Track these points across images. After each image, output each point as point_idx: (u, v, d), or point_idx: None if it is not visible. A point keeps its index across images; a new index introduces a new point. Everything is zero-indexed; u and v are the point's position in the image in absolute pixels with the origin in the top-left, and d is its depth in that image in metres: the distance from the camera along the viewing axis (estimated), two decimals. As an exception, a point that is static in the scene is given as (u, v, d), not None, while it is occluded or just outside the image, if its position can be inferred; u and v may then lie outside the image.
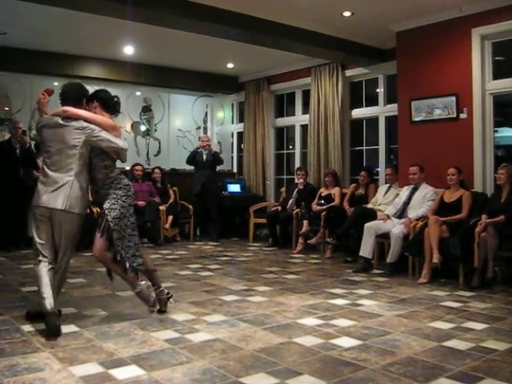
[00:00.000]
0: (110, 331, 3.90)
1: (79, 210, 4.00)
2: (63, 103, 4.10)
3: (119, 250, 4.11)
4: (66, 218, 3.95)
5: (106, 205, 4.13)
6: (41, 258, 3.97)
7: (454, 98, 6.78)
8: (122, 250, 4.12)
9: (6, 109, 9.12)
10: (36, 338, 3.68)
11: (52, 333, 3.69)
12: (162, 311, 4.43)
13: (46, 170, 3.98)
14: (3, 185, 7.67)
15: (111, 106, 4.30)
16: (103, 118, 4.15)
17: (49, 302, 3.77)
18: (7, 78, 8.91)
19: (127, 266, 4.15)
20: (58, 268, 4.06)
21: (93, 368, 3.14)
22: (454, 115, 6.79)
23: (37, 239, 3.99)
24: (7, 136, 8.39)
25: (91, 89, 4.63)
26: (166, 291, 4.49)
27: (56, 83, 9.39)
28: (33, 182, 7.92)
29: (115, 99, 4.33)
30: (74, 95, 4.15)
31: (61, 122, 3.98)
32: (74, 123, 3.98)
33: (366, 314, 4.51)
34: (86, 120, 4.02)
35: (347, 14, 6.79)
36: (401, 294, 5.31)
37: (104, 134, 4.01)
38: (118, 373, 3.07)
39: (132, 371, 3.10)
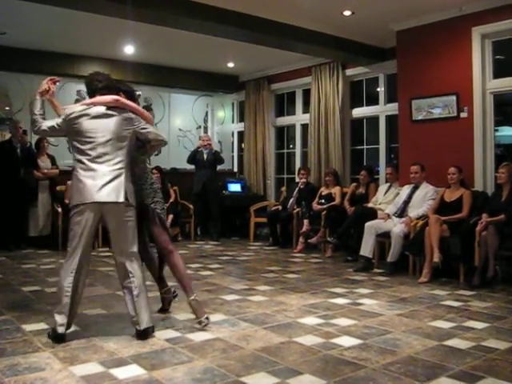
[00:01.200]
0: (110, 331, 3.91)
1: (134, 202, 3.81)
2: (96, 93, 3.87)
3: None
4: (126, 211, 3.75)
5: (148, 201, 4.05)
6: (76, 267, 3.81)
7: (454, 97, 6.78)
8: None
9: (7, 108, 9.12)
10: (37, 338, 3.69)
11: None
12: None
13: (90, 163, 3.68)
14: (4, 184, 7.69)
15: (136, 99, 4.28)
16: (145, 111, 4.08)
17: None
18: (7, 78, 8.91)
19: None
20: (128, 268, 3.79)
21: (93, 367, 3.14)
22: (455, 114, 6.78)
23: (81, 241, 3.77)
24: (8, 136, 8.39)
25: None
26: (173, 289, 4.49)
27: (57, 83, 9.41)
28: (34, 181, 8.03)
29: (137, 93, 4.22)
30: (111, 85, 3.97)
31: (107, 111, 3.77)
32: (123, 113, 3.82)
33: (367, 313, 4.51)
34: (133, 111, 3.91)
35: (347, 13, 6.79)
36: (401, 293, 5.31)
37: (150, 127, 3.96)
38: (119, 372, 3.07)
39: (133, 371, 3.10)
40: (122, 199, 3.66)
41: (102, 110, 3.76)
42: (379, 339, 3.75)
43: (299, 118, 10.14)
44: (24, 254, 7.60)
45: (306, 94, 9.77)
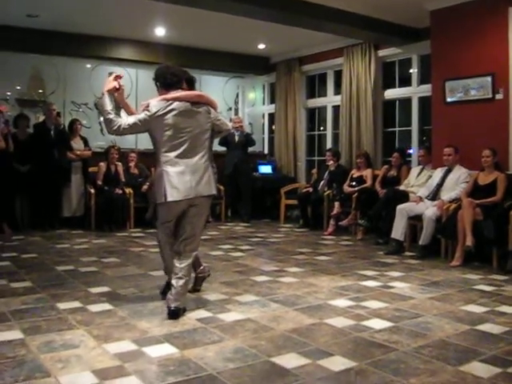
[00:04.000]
0: (143, 310, 3.96)
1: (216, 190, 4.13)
2: (173, 87, 3.92)
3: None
4: (209, 201, 4.03)
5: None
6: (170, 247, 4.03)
7: (489, 79, 6.63)
8: None
9: (40, 91, 9.24)
10: (71, 316, 3.76)
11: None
12: (196, 290, 4.49)
13: (179, 158, 3.80)
14: (38, 166, 7.81)
15: (194, 83, 4.45)
16: (214, 100, 4.20)
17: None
18: (41, 61, 9.02)
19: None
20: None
21: (126, 346, 3.20)
22: (490, 96, 6.64)
23: (168, 233, 4.00)
24: (42, 118, 8.50)
25: (123, 71, 4.55)
26: (207, 268, 4.60)
27: (89, 65, 9.55)
28: (66, 163, 8.15)
29: (193, 77, 4.45)
30: (180, 80, 4.01)
31: (193, 107, 3.87)
32: (204, 107, 3.94)
33: (398, 296, 4.49)
34: (210, 104, 4.05)
35: (380, -8, 6.68)
36: (433, 276, 5.27)
37: (222, 118, 4.18)
38: (151, 351, 3.12)
39: (165, 349, 3.15)
40: (214, 191, 4.00)
41: (187, 105, 3.84)
42: (410, 322, 3.74)
43: (330, 99, 10.05)
44: (58, 234, 7.73)
45: (338, 75, 9.68)
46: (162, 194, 3.79)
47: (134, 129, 3.80)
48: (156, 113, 3.76)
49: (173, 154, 3.79)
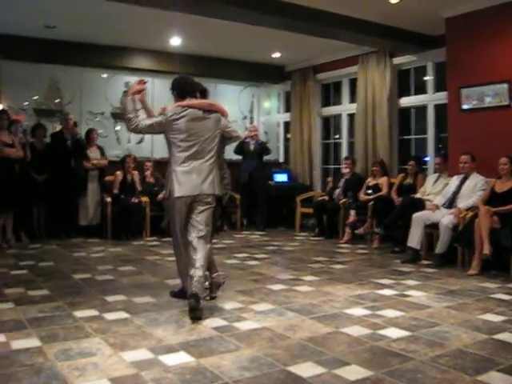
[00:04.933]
0: (159, 318, 3.98)
1: (221, 192, 4.44)
2: (186, 96, 4.29)
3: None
4: (213, 200, 4.30)
5: (223, 191, 4.60)
6: (183, 243, 4.31)
7: (506, 85, 6.59)
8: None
9: (57, 101, 9.33)
10: (88, 324, 3.78)
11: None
12: (212, 298, 4.53)
13: (188, 159, 4.17)
14: (55, 175, 7.87)
15: (207, 94, 4.71)
16: (224, 108, 4.56)
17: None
18: (58, 71, 9.09)
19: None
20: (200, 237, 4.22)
21: (143, 354, 3.21)
22: (506, 103, 6.60)
23: (179, 227, 4.28)
24: (59, 127, 8.58)
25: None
26: (222, 274, 4.65)
27: (105, 75, 9.64)
28: (83, 172, 8.21)
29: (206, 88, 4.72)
30: (194, 89, 4.40)
31: (203, 114, 4.24)
32: (214, 115, 4.31)
33: (414, 305, 4.46)
34: (221, 112, 4.41)
35: (394, 0, 6.66)
36: (450, 285, 5.23)
37: (232, 126, 4.56)
38: (168, 359, 3.13)
39: (181, 358, 3.16)
40: (217, 192, 4.28)
41: (199, 112, 4.23)
42: (427, 331, 3.71)
43: (346, 107, 10.04)
44: (74, 242, 7.79)
45: (353, 83, 9.67)
46: (170, 191, 4.22)
47: (150, 129, 4.24)
48: (171, 117, 4.17)
49: (183, 155, 4.18)
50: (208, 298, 4.50)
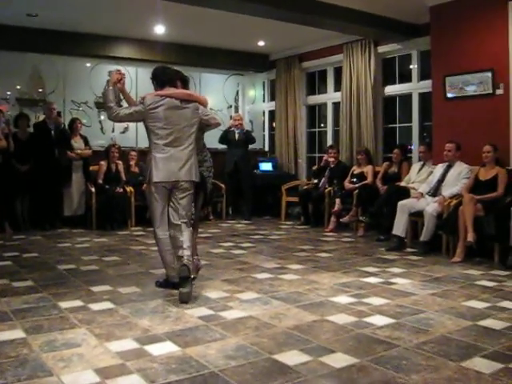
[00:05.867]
0: (144, 308, 3.97)
1: (198, 178, 4.55)
2: (165, 85, 4.46)
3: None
4: (191, 185, 4.47)
5: (205, 173, 4.79)
6: (161, 232, 4.45)
7: (489, 74, 6.62)
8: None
9: (40, 90, 9.22)
10: (73, 315, 3.77)
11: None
12: (193, 278, 4.56)
13: (166, 146, 4.34)
14: (39, 165, 7.81)
15: (188, 83, 4.89)
16: (204, 97, 4.90)
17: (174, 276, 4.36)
18: (40, 60, 8.99)
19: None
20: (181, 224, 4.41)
21: (128, 344, 3.20)
22: (490, 91, 6.63)
23: (160, 213, 4.44)
24: (42, 117, 8.50)
25: (123, 69, 5.24)
26: (199, 262, 4.98)
27: (88, 64, 9.54)
28: (67, 161, 8.15)
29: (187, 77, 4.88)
30: (173, 79, 4.56)
31: (181, 104, 4.40)
32: (192, 104, 4.48)
33: (400, 292, 4.49)
34: (199, 102, 4.58)
35: (379, -12, 6.67)
36: (434, 272, 5.27)
37: (210, 113, 4.74)
38: (153, 349, 3.12)
39: (167, 347, 3.15)
40: (194, 178, 4.43)
41: (176, 102, 4.39)
42: (412, 318, 3.74)
43: (331, 96, 10.04)
44: (59, 233, 7.74)
45: (338, 71, 9.66)
46: (149, 176, 4.39)
47: (129, 117, 4.45)
48: (149, 105, 4.34)
49: (161, 142, 4.35)
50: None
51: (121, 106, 4.47)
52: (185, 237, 4.32)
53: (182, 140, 4.39)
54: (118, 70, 4.65)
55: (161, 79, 4.51)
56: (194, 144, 4.48)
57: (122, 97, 4.64)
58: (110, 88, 4.42)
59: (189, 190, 4.44)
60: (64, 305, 4.03)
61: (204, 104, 4.67)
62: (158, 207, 4.43)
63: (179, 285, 4.19)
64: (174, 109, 4.38)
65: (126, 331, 3.44)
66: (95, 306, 4.00)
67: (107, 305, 4.05)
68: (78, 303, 4.08)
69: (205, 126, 4.67)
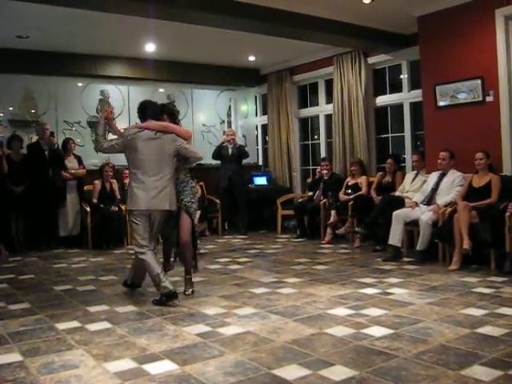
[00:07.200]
0: (142, 327, 3.95)
1: (175, 208, 4.79)
2: (147, 118, 4.78)
3: (196, 231, 5.05)
4: (167, 214, 4.78)
5: (187, 199, 4.89)
6: (145, 249, 4.64)
7: (479, 81, 6.66)
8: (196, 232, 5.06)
9: (33, 111, 9.24)
10: (70, 336, 3.75)
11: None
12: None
13: (141, 176, 4.62)
14: (33, 186, 7.80)
15: (176, 117, 5.26)
16: (186, 130, 5.08)
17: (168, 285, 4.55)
18: (32, 81, 9.01)
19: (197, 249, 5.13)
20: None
21: (126, 364, 3.19)
22: (480, 98, 6.67)
23: (139, 235, 4.66)
24: (35, 138, 8.50)
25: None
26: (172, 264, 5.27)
27: (80, 84, 9.58)
28: (62, 182, 8.14)
29: (176, 110, 5.06)
30: (156, 111, 4.87)
31: (156, 135, 4.68)
32: (168, 136, 4.71)
33: (397, 302, 4.48)
34: (176, 133, 4.76)
35: (367, 0, 6.66)
36: (432, 281, 5.27)
37: (189, 147, 4.82)
38: (152, 368, 3.10)
39: (165, 366, 3.14)
40: (167, 207, 4.68)
41: (151, 133, 4.68)
42: (410, 328, 3.73)
43: (323, 108, 10.08)
44: (55, 253, 7.71)
45: (329, 84, 9.71)
46: (128, 203, 4.73)
47: (112, 149, 4.85)
48: (128, 137, 4.70)
49: (137, 172, 4.65)
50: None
51: (105, 138, 4.87)
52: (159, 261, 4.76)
53: (157, 170, 4.63)
54: (109, 106, 5.19)
55: (142, 113, 4.84)
56: (171, 174, 4.72)
57: (107, 128, 5.06)
58: (102, 123, 4.86)
59: (163, 217, 4.75)
60: (61, 326, 4.01)
61: (184, 136, 4.82)
62: (137, 232, 4.67)
63: (166, 301, 4.55)
64: (149, 140, 4.64)
65: (124, 351, 3.42)
66: (92, 327, 3.99)
67: (104, 325, 4.04)
68: (75, 324, 4.07)
69: (185, 159, 4.83)
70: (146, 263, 4.62)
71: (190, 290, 4.97)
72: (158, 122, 4.78)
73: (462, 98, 6.86)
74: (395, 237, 6.54)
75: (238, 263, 6.60)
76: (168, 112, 5.03)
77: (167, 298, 4.52)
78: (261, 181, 10.35)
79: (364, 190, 8.06)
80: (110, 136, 4.95)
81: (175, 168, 4.78)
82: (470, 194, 6.20)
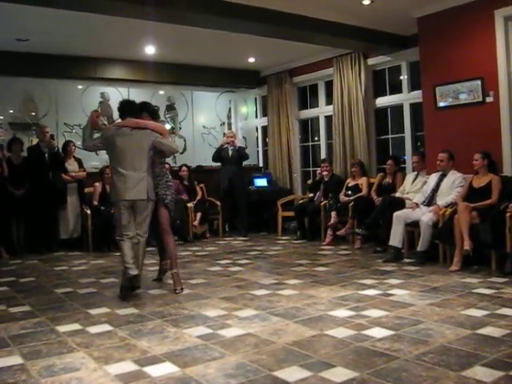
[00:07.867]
0: (142, 329, 3.95)
1: (153, 197, 5.11)
2: (126, 116, 5.13)
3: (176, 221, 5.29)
4: (147, 205, 5.05)
5: (162, 191, 5.20)
6: (124, 237, 4.95)
7: (479, 82, 6.67)
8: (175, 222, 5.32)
9: (33, 114, 9.24)
10: (71, 339, 3.74)
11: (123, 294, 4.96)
12: (159, 279, 5.65)
13: (122, 170, 4.96)
14: (34, 189, 7.80)
15: (156, 114, 5.56)
16: (161, 125, 5.43)
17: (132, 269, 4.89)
18: (32, 84, 9.02)
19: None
20: (139, 241, 5.08)
21: (127, 366, 3.18)
22: (480, 99, 6.67)
23: (122, 223, 4.97)
24: (35, 141, 8.51)
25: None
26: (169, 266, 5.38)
27: (80, 86, 9.58)
28: (62, 184, 8.14)
29: (156, 108, 5.53)
30: (134, 110, 5.21)
31: (131, 131, 5.03)
32: (144, 131, 5.05)
33: (398, 303, 4.48)
34: (150, 129, 5.09)
35: (367, 2, 6.71)
36: (432, 282, 5.26)
37: (164, 140, 5.12)
38: (153, 370, 3.10)
39: (166, 368, 3.13)
40: (145, 197, 4.99)
41: (127, 130, 5.05)
42: (411, 329, 3.73)
43: (323, 109, 10.09)
44: (56, 256, 7.71)
45: (329, 85, 9.71)
46: (112, 196, 5.12)
47: (95, 147, 5.32)
48: (106, 134, 5.13)
49: (117, 166, 5.01)
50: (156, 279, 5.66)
51: (92, 138, 5.20)
52: (140, 248, 5.10)
53: (135, 163, 4.97)
54: (96, 111, 5.45)
55: (121, 112, 5.20)
56: (147, 167, 5.04)
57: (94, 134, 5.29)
58: (89, 127, 5.16)
59: (143, 207, 5.03)
60: (62, 329, 4.00)
61: (159, 131, 5.14)
62: (122, 218, 4.98)
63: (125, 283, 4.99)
64: (125, 136, 5.00)
65: (125, 353, 3.42)
66: (93, 329, 3.98)
67: (105, 327, 4.03)
68: (75, 327, 4.06)
69: (162, 151, 5.16)
70: (121, 248, 4.95)
71: (179, 288, 5.14)
72: (134, 119, 5.10)
73: (462, 98, 6.86)
74: (396, 238, 6.53)
75: (239, 265, 6.59)
76: (147, 110, 5.33)
77: (126, 281, 4.96)
78: (261, 182, 10.35)
79: (364, 192, 8.06)
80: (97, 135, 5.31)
81: (151, 162, 5.10)
82: (471, 194, 6.20)
